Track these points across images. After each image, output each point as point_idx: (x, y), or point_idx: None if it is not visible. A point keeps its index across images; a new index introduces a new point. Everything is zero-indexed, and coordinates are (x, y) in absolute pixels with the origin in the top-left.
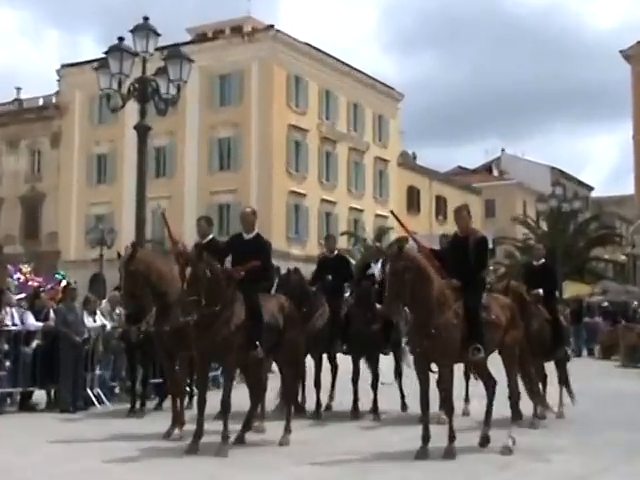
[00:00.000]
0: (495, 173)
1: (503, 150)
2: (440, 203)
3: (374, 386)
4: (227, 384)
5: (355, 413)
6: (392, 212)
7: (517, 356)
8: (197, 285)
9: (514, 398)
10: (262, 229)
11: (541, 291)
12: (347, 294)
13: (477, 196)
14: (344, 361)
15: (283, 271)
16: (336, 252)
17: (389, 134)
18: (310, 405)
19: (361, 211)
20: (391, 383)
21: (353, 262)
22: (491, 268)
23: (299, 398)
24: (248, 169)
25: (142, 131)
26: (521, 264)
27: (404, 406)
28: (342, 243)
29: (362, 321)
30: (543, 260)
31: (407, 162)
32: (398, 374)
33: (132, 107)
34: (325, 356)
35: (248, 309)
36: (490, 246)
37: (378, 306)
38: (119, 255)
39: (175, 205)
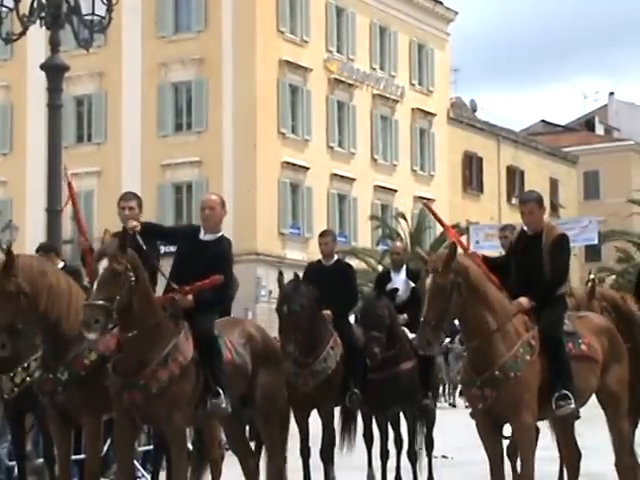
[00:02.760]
0: (599, 131)
1: (612, 94)
2: (514, 178)
3: (412, 458)
4: (179, 460)
5: None
6: (425, 204)
7: (627, 406)
8: (112, 286)
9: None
10: (243, 221)
11: None
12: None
13: (571, 166)
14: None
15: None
16: (335, 258)
17: (434, 74)
18: None
19: (392, 192)
20: (452, 458)
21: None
22: (592, 276)
23: None
24: (218, 130)
25: (54, 73)
26: None
27: None
28: (364, 238)
29: (386, 356)
30: None
31: (463, 116)
32: (428, 444)
33: (38, 36)
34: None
35: (198, 342)
36: (594, 241)
37: (411, 335)
38: None
39: (108, 185)
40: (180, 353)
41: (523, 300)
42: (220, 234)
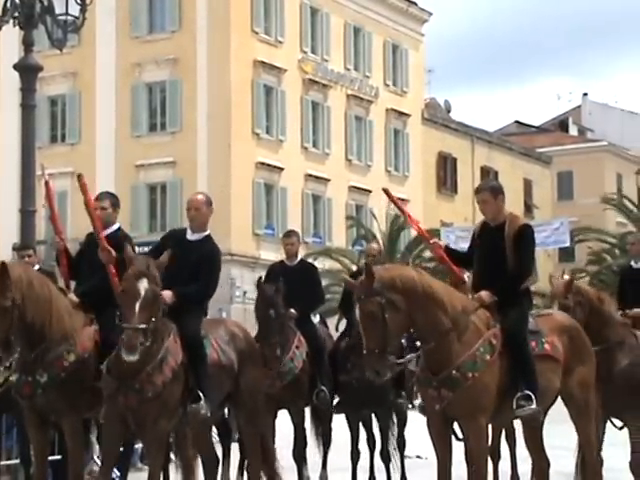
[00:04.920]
0: (573, 131)
1: (585, 95)
2: (488, 178)
3: (385, 459)
4: (155, 466)
5: None
6: (385, 190)
7: (594, 409)
8: (152, 307)
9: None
10: (217, 222)
11: None
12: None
13: (545, 167)
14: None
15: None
16: (299, 258)
17: (408, 74)
18: None
19: (367, 192)
20: (426, 458)
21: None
22: (566, 276)
23: None
24: (193, 131)
25: (27, 73)
26: (614, 269)
27: None
28: (339, 239)
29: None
30: None
31: (437, 117)
32: (400, 444)
33: (11, 36)
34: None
35: (186, 346)
36: (566, 243)
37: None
38: None
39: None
40: (172, 357)
41: (484, 294)
42: (206, 233)
